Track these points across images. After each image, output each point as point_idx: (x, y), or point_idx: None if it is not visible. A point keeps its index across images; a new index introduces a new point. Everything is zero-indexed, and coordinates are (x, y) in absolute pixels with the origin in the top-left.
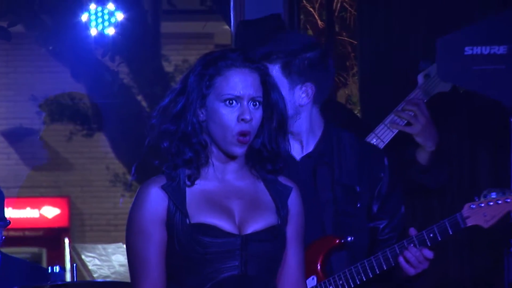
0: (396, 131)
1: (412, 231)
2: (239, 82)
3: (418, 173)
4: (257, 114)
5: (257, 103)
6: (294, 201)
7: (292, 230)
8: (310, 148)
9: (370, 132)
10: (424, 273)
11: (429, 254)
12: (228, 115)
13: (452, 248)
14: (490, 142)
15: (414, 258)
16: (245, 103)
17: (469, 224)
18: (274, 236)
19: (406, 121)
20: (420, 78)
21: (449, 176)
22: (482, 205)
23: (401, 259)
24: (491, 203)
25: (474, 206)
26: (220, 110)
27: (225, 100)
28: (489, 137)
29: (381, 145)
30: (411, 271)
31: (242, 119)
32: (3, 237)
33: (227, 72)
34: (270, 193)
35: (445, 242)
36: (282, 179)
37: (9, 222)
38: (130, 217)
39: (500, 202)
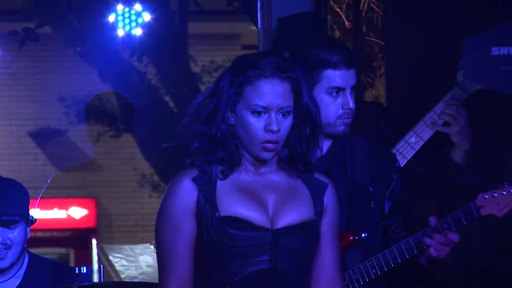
0: (435, 129)
1: (432, 220)
2: (268, 93)
3: (455, 172)
4: (286, 124)
5: (286, 113)
6: (330, 196)
7: (328, 226)
8: (323, 150)
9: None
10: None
11: (454, 237)
12: (256, 124)
13: (479, 234)
14: None
15: (435, 243)
16: (273, 113)
17: (483, 214)
18: (307, 232)
19: (444, 121)
20: (459, 76)
21: (485, 176)
22: (496, 194)
23: (427, 240)
24: (504, 192)
25: (487, 196)
26: (248, 119)
27: (253, 111)
28: None
29: (420, 143)
30: (436, 253)
31: (269, 130)
32: (29, 236)
33: (256, 82)
34: (308, 188)
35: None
36: (317, 175)
37: (35, 220)
38: (160, 207)
39: None
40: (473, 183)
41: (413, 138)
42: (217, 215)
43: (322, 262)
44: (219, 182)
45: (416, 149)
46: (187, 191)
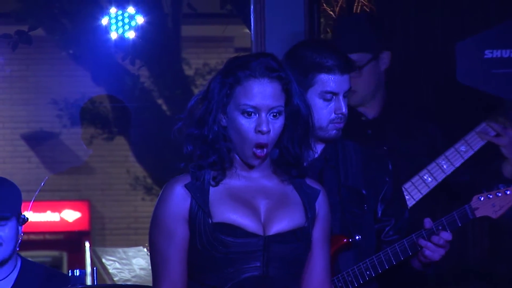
0: (486, 140)
1: (427, 222)
2: (258, 93)
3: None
4: (277, 125)
5: (277, 113)
6: (321, 203)
7: (319, 233)
8: (316, 154)
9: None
10: (433, 264)
11: (447, 236)
12: (246, 125)
13: (472, 235)
14: None
15: (431, 244)
16: (263, 114)
17: (478, 216)
18: (298, 238)
19: (495, 132)
20: None
21: None
22: (491, 196)
23: (422, 242)
24: (499, 194)
25: (482, 198)
26: (239, 119)
27: (243, 111)
28: None
29: (470, 152)
30: (431, 254)
31: (259, 131)
32: (22, 235)
33: (245, 82)
34: (299, 194)
35: (464, 230)
36: (309, 182)
37: (27, 219)
38: (154, 214)
39: (508, 192)
40: None
41: (463, 147)
42: (210, 221)
43: (312, 269)
44: (211, 189)
45: (465, 158)
46: (180, 198)
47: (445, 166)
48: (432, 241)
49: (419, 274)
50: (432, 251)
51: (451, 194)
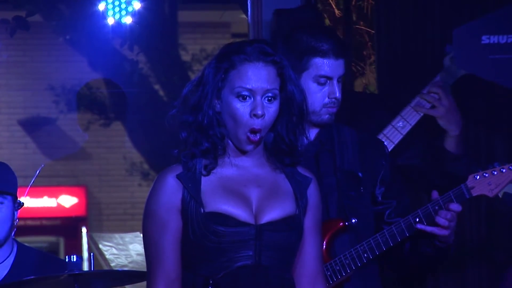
0: (422, 113)
1: (434, 194)
2: (252, 76)
3: (450, 161)
4: (271, 109)
5: (272, 97)
6: (313, 191)
7: (311, 221)
8: (311, 138)
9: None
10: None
11: (457, 207)
12: (241, 109)
13: (469, 220)
14: (507, 128)
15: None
16: (258, 97)
17: (474, 194)
18: (290, 227)
19: (431, 105)
20: (446, 61)
21: (477, 166)
22: (486, 174)
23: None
24: (495, 172)
25: (478, 177)
26: (234, 104)
27: (238, 95)
28: (505, 123)
29: (408, 127)
30: (444, 232)
31: (254, 114)
32: (17, 221)
33: (240, 66)
34: (290, 182)
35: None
36: (301, 170)
37: (23, 203)
38: (146, 205)
39: (504, 170)
40: (467, 172)
41: (401, 123)
42: (202, 211)
43: (304, 257)
44: (203, 178)
45: (404, 134)
46: (172, 189)
47: (384, 144)
48: (442, 215)
49: (443, 251)
50: (445, 227)
51: (407, 179)
